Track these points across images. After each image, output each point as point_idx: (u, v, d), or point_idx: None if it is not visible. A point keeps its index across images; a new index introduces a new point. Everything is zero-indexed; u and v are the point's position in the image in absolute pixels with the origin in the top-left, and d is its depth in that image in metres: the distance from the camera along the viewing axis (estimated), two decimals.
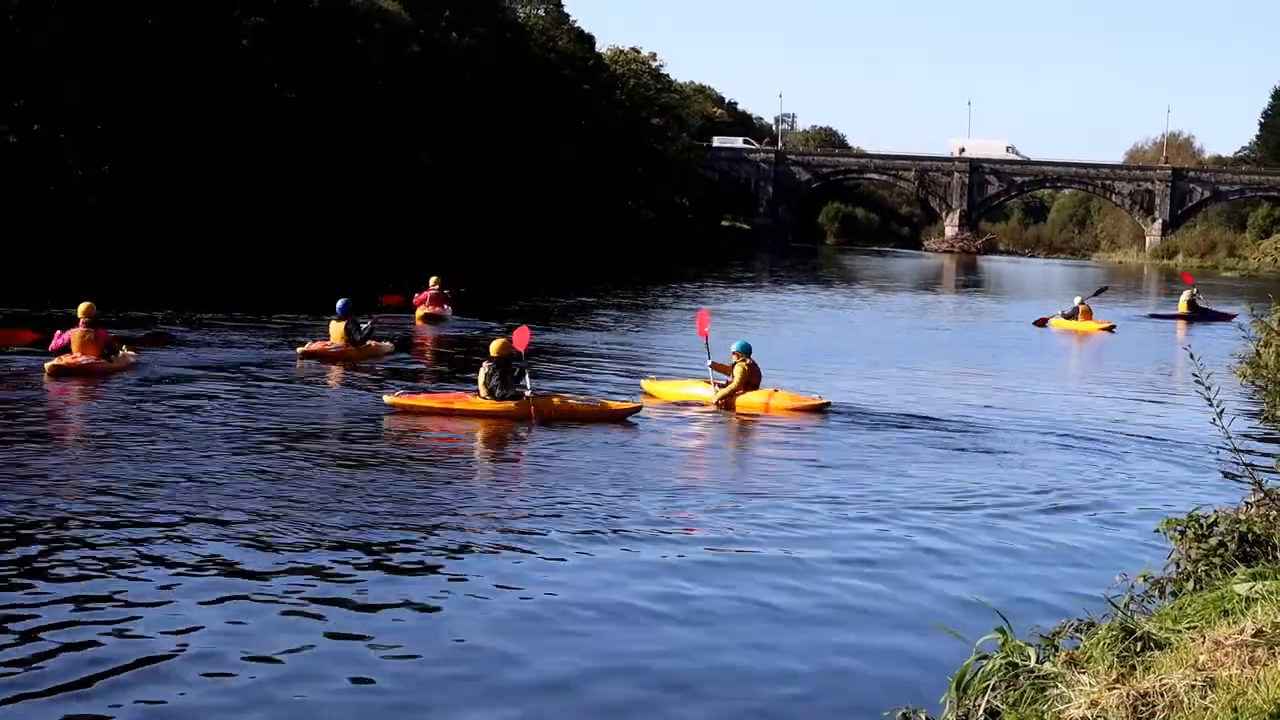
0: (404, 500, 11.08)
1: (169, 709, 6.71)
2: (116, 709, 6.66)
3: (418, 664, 7.41)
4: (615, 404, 16.04)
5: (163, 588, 8.48)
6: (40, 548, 9.21)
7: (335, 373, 19.49)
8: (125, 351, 18.32)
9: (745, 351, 17.26)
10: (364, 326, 21.46)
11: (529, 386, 15.57)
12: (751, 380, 17.11)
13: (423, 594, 8.58)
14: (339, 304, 21.36)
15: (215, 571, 8.86)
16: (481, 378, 15.66)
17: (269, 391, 17.13)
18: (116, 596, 8.29)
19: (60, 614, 7.89)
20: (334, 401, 17.17)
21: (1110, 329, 33.22)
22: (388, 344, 22.10)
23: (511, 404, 15.42)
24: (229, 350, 21.23)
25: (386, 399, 15.71)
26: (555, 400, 15.75)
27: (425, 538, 9.89)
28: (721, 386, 17.09)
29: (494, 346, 15.92)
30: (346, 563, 9.19)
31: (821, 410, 16.60)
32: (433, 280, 28.72)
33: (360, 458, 12.93)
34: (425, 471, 12.50)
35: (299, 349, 20.59)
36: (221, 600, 8.29)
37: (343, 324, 20.99)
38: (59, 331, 17.81)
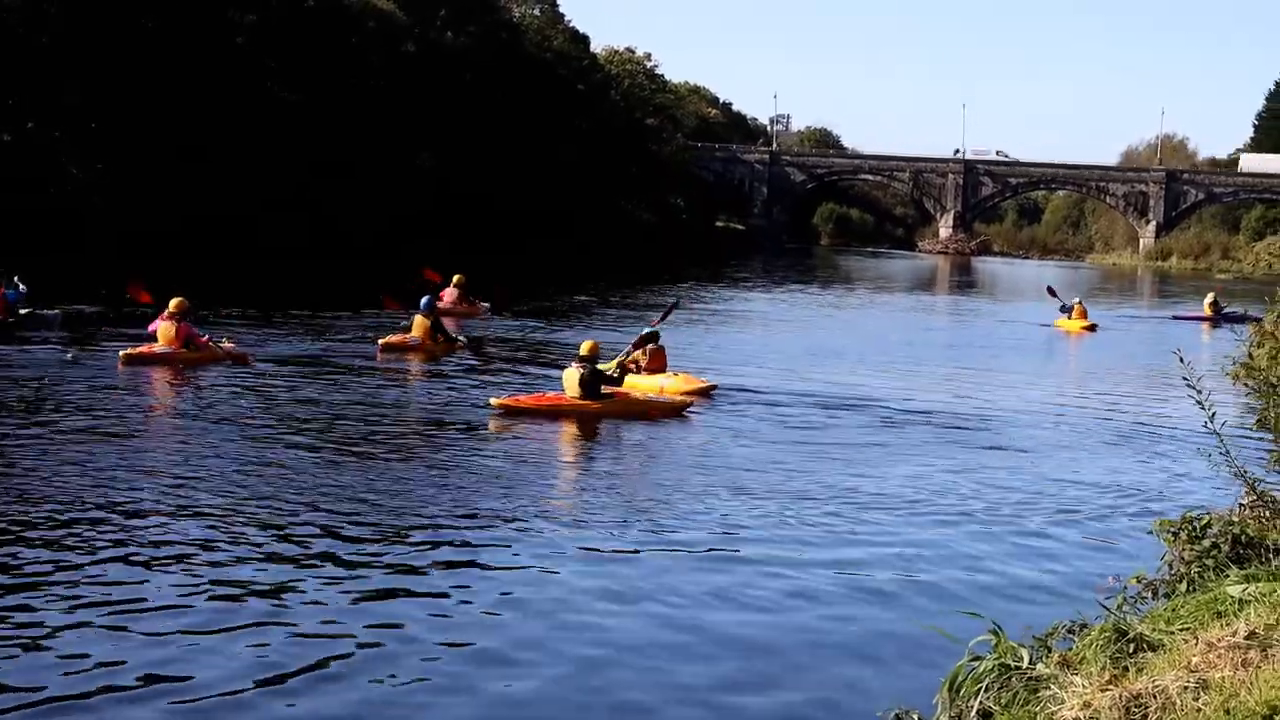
0: (493, 495, 11.36)
1: (272, 693, 6.84)
2: (227, 686, 6.86)
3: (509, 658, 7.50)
4: (677, 399, 16.87)
5: (245, 574, 8.72)
6: (119, 533, 9.48)
7: (416, 368, 20.45)
8: (225, 343, 19.23)
9: (652, 338, 19.00)
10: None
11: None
12: (654, 364, 18.46)
13: (525, 585, 8.86)
14: (423, 301, 22.54)
15: (300, 559, 9.10)
16: (575, 378, 15.92)
17: (352, 384, 17.75)
18: (202, 581, 8.52)
19: (146, 594, 8.20)
20: (430, 398, 17.60)
21: (1091, 328, 33.45)
22: (462, 339, 23.12)
23: (599, 404, 15.94)
24: (285, 344, 21.82)
25: (492, 401, 15.90)
26: (637, 395, 16.67)
27: (526, 532, 10.21)
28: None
29: (584, 347, 16.48)
30: (444, 547, 9.59)
31: (708, 394, 17.79)
32: (456, 278, 28.79)
33: (462, 455, 13.20)
34: (524, 469, 12.83)
35: (380, 341, 21.40)
36: (308, 585, 8.55)
37: (427, 320, 21.98)
38: (151, 324, 19.10)
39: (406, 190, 52.11)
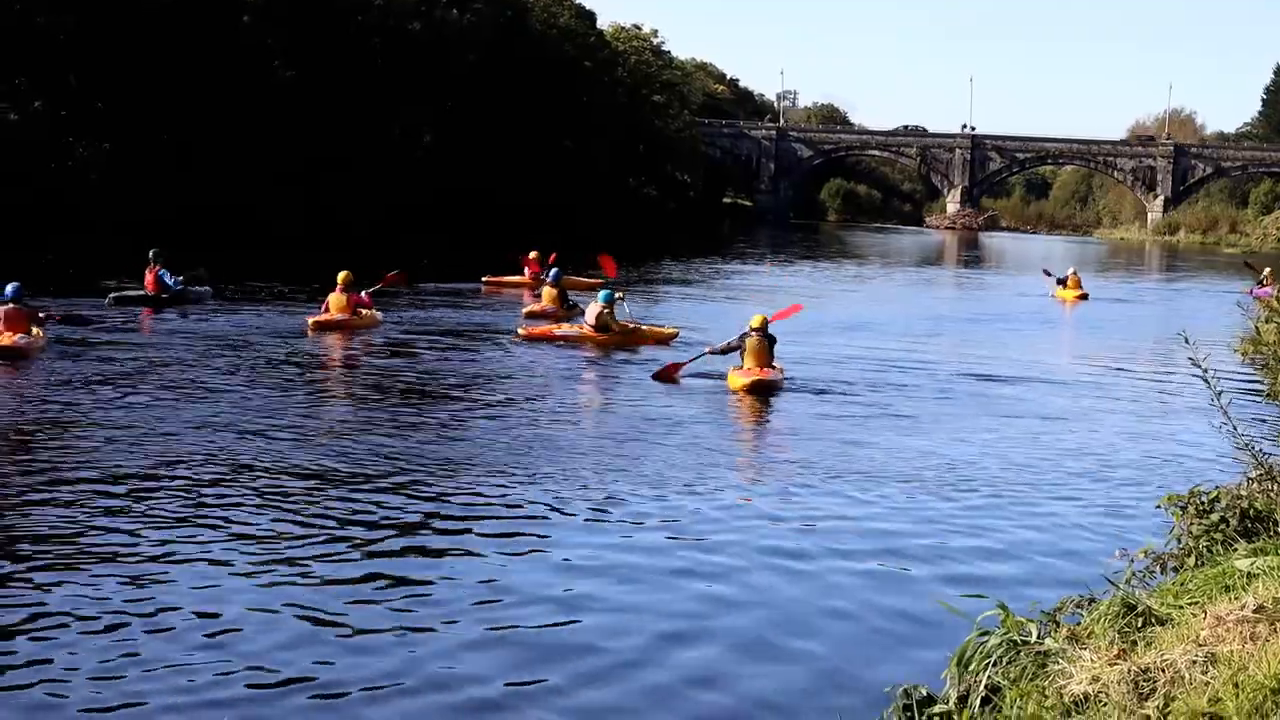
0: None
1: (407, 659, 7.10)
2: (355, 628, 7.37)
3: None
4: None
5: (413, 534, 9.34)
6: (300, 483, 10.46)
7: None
8: (372, 311, 21.51)
9: (608, 300, 20.62)
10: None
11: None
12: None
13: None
14: (551, 273, 24.75)
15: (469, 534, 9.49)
16: (763, 347, 16.59)
17: (502, 356, 19.05)
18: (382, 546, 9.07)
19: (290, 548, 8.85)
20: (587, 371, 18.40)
21: (1084, 297, 34.41)
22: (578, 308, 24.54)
23: (769, 372, 16.46)
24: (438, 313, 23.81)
25: (731, 385, 16.36)
26: (779, 370, 16.94)
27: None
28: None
29: (756, 320, 16.97)
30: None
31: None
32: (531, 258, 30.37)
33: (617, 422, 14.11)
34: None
35: (524, 310, 23.44)
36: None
37: (556, 290, 24.01)
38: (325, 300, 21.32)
39: (405, 182, 51.95)
